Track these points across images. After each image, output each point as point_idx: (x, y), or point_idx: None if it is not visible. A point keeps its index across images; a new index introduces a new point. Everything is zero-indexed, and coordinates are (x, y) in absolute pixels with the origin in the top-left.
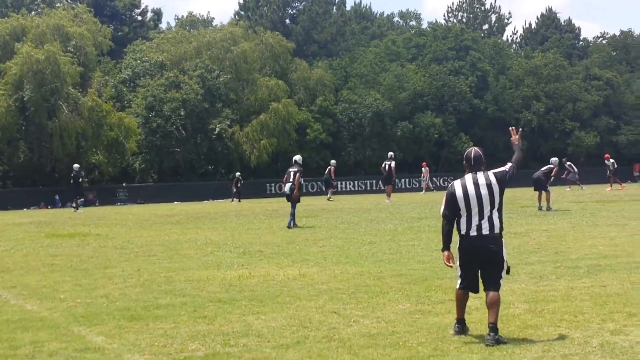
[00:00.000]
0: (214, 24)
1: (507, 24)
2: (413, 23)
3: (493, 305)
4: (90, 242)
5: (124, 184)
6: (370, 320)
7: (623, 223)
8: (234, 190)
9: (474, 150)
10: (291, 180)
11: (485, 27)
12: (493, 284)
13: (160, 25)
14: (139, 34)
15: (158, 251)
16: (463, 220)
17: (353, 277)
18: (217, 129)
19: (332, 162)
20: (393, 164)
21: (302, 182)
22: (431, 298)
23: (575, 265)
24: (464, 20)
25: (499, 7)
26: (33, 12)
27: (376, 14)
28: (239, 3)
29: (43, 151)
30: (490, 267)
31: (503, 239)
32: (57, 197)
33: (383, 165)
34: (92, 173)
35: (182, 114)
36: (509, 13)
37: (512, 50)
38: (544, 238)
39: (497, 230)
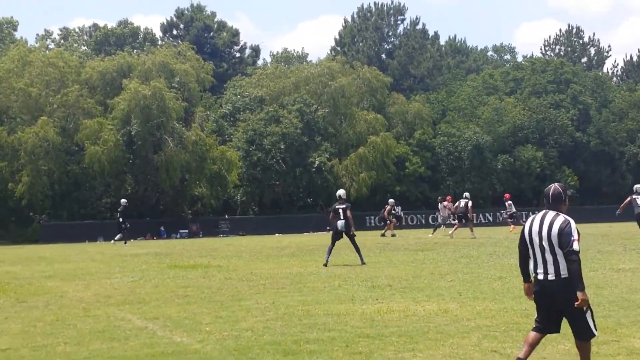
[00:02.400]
0: (308, 59)
1: (607, 57)
2: (507, 57)
3: (580, 351)
4: (214, 274)
5: (226, 216)
6: None
7: None
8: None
9: (553, 187)
10: (342, 217)
11: (584, 60)
12: (578, 333)
13: (258, 62)
14: (237, 70)
15: (285, 284)
16: (532, 260)
17: (498, 314)
18: (317, 162)
19: (390, 200)
20: (470, 203)
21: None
22: None
23: None
24: (562, 53)
25: (598, 40)
26: (135, 50)
27: (470, 48)
28: (335, 39)
29: (149, 184)
30: (567, 314)
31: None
32: (162, 228)
33: (460, 203)
34: (195, 205)
35: (282, 147)
36: (609, 46)
37: (613, 83)
38: None
39: (564, 274)
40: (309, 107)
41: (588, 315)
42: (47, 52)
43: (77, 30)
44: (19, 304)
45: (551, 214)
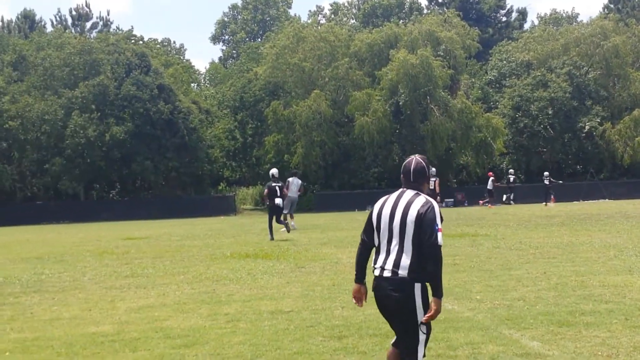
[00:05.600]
0: (578, 19)
1: None
2: None
3: None
4: (482, 243)
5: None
6: None
7: None
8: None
9: (415, 160)
10: (279, 195)
11: None
12: (404, 349)
13: (525, 25)
14: (503, 34)
15: (556, 253)
16: (375, 251)
17: None
18: (587, 127)
19: (545, 173)
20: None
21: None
22: None
23: None
24: None
25: None
26: (401, 21)
27: None
28: None
29: (415, 153)
30: (397, 323)
31: (418, 285)
32: None
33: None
34: (460, 174)
35: (550, 112)
36: None
37: None
38: None
39: (403, 272)
40: (579, 69)
41: (421, 335)
42: (319, 27)
43: (346, 4)
44: (298, 269)
45: (409, 193)
